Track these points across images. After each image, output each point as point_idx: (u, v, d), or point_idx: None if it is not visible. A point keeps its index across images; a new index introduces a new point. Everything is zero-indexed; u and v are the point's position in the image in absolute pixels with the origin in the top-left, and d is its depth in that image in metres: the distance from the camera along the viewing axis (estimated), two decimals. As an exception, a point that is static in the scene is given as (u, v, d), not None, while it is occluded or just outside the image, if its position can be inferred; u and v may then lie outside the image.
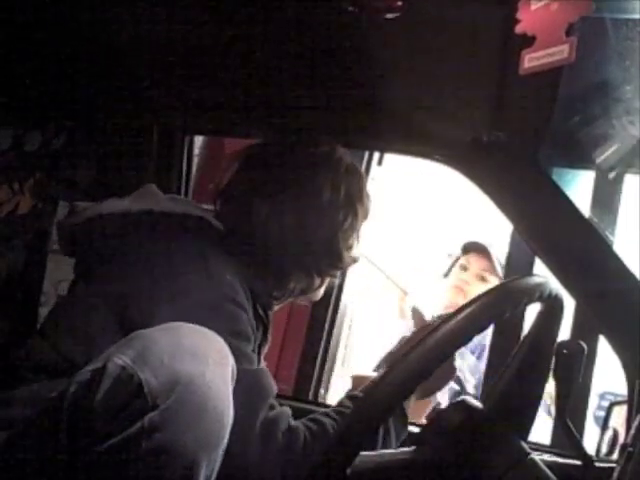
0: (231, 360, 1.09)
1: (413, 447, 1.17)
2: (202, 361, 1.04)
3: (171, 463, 1.00)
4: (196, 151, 2.02)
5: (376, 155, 3.38)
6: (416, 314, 1.63)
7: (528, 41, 1.16)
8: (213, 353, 1.07)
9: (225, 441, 1.06)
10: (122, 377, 1.01)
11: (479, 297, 1.06)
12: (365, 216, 1.50)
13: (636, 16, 1.25)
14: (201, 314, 1.13)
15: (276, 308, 1.50)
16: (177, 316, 1.12)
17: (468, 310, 1.03)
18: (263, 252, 1.40)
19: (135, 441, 1.00)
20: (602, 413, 1.62)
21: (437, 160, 1.54)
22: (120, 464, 1.01)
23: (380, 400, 0.99)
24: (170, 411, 1.00)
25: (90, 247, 1.38)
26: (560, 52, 1.14)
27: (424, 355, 1.00)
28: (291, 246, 1.40)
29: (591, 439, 1.62)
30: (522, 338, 1.22)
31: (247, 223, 1.40)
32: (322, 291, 1.55)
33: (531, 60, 1.17)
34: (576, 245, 1.42)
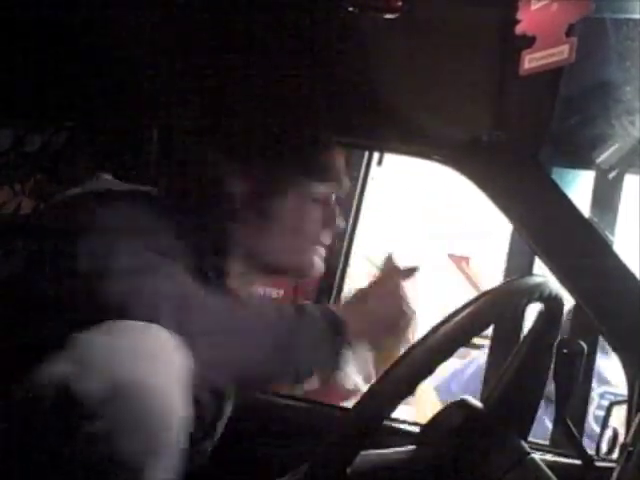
0: (180, 356, 1.02)
1: (413, 447, 1.18)
2: (144, 361, 0.98)
3: (119, 471, 0.96)
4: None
5: (376, 155, 3.38)
6: (388, 262, 1.51)
7: (528, 41, 1.15)
8: (157, 350, 1.01)
9: (179, 442, 1.00)
10: (59, 389, 0.95)
11: (479, 297, 1.06)
12: None
13: (636, 16, 1.24)
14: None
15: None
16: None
17: (468, 310, 1.03)
18: (203, 198, 1.34)
19: (80, 454, 0.95)
20: (602, 412, 1.62)
21: (436, 160, 1.54)
22: (68, 477, 0.96)
23: (381, 399, 0.99)
24: (112, 419, 0.95)
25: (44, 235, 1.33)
26: (560, 52, 1.14)
27: (424, 354, 1.00)
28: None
29: (591, 438, 1.62)
30: (522, 338, 1.22)
31: (183, 177, 1.38)
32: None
33: (531, 60, 1.17)
34: (576, 245, 1.42)
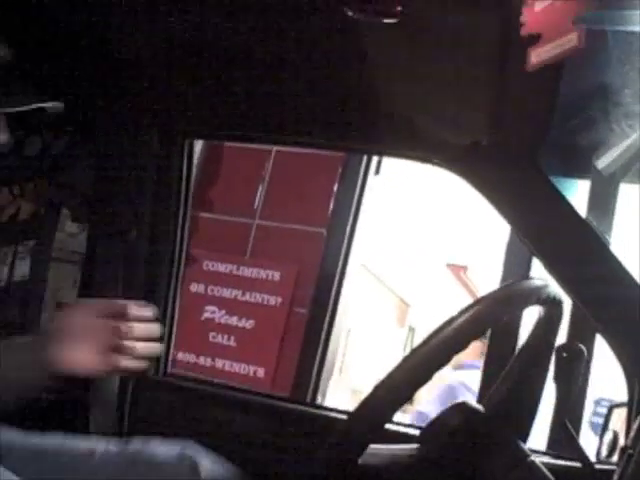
0: None
1: (414, 448, 1.18)
2: None
3: None
4: (195, 160, 2.01)
5: (373, 165, 3.39)
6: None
7: (533, 40, 1.14)
8: None
9: None
10: None
11: (477, 301, 1.06)
12: None
13: (636, 28, 1.24)
14: None
15: None
16: None
17: (466, 314, 1.03)
18: None
19: None
20: (598, 419, 1.62)
21: (436, 164, 1.53)
22: None
23: (380, 404, 1.01)
24: None
25: None
26: (569, 41, 1.11)
27: (422, 359, 1.01)
28: None
29: (586, 445, 1.62)
30: (523, 341, 1.23)
31: None
32: None
33: (539, 55, 1.14)
34: (575, 247, 1.42)
